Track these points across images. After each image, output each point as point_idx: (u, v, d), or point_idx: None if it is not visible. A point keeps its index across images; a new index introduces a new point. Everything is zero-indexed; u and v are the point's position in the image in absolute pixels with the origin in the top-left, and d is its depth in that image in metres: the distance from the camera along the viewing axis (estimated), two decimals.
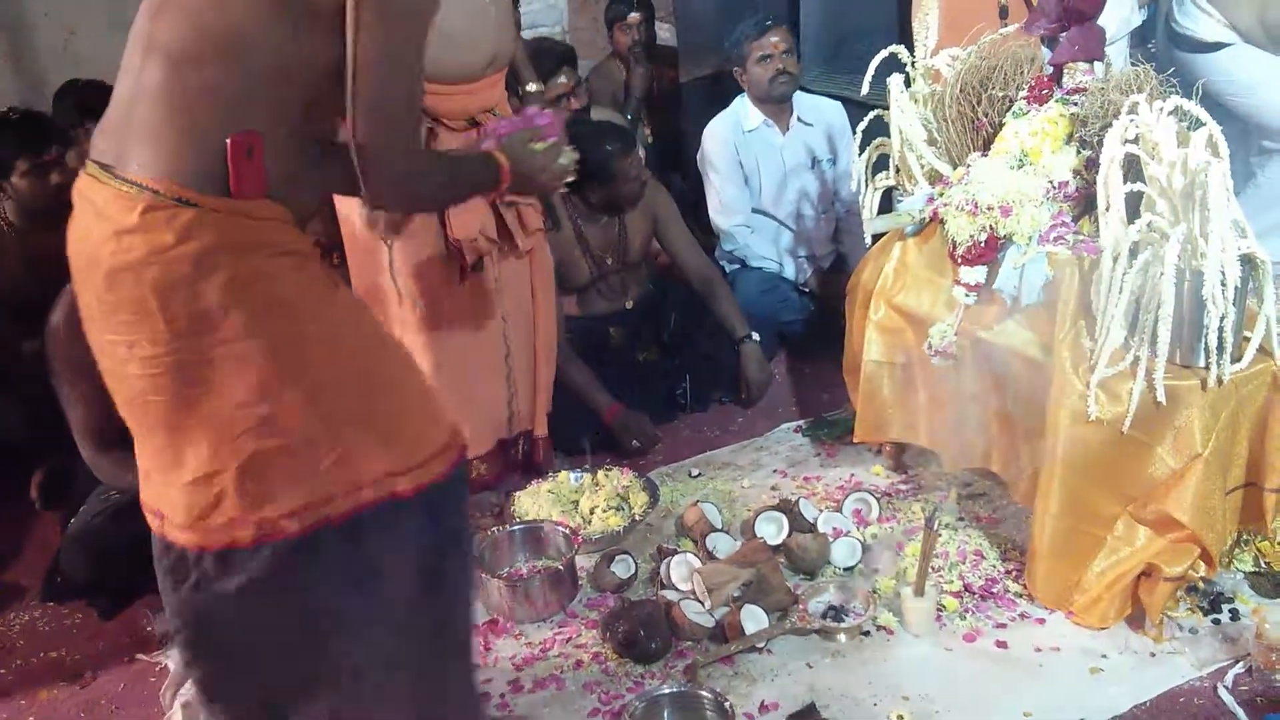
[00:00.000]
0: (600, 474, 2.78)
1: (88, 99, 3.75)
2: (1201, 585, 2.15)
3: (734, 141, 3.54)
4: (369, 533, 1.53)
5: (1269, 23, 3.23)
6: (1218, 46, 3.29)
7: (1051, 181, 2.15)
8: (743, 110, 3.55)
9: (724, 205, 3.59)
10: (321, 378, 1.52)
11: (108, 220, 1.46)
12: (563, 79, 3.59)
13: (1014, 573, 2.33)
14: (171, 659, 2.35)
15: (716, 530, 2.54)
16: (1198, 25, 3.33)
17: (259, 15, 1.47)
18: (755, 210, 3.60)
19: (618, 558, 2.46)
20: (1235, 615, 2.14)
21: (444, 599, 1.64)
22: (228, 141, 1.44)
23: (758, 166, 3.55)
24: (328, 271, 1.59)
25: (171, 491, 1.54)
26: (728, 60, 3.54)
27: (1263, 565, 2.24)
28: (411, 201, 1.80)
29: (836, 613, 2.24)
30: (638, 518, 2.63)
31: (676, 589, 2.36)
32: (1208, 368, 1.98)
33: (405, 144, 1.55)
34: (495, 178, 1.75)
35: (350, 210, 2.47)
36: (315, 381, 1.51)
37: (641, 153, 3.31)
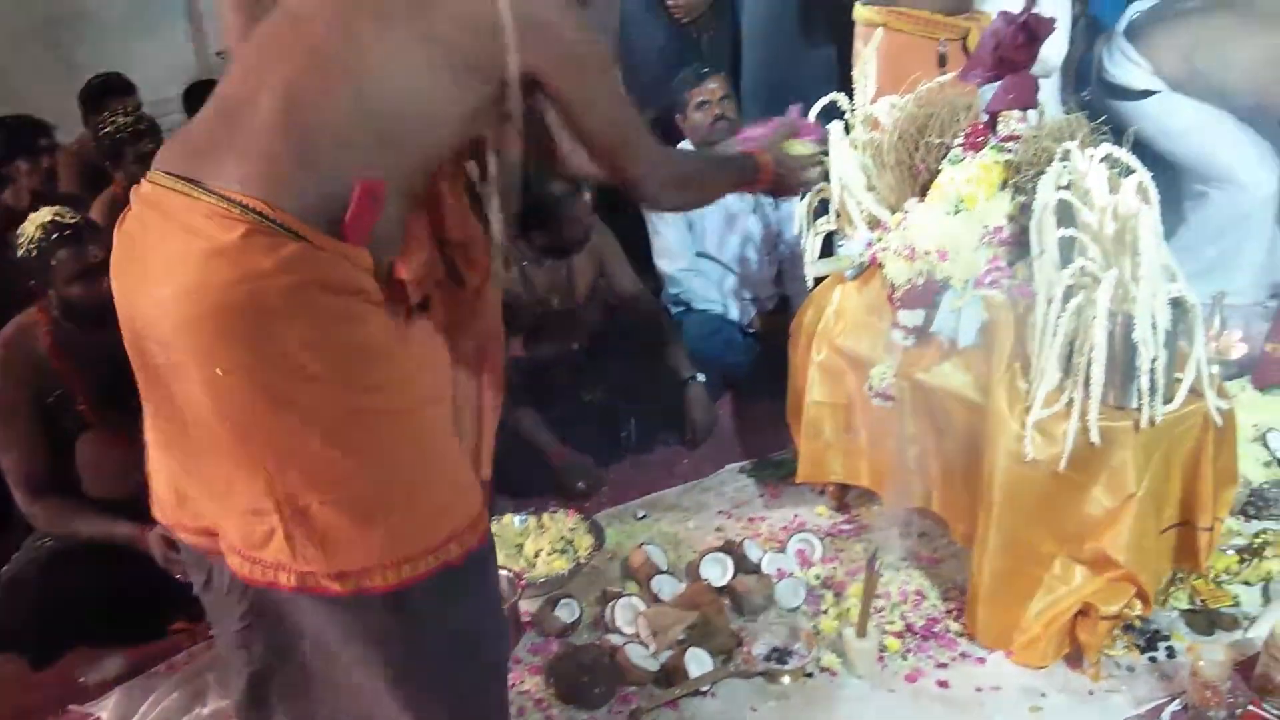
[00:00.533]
0: (545, 517, 2.76)
1: (19, 135, 3.71)
2: (1138, 623, 2.18)
3: None
4: (416, 601, 1.49)
5: (1196, 71, 3.35)
6: (1147, 94, 3.39)
7: (986, 226, 2.19)
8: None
9: (667, 250, 3.61)
10: (381, 431, 1.48)
11: (196, 235, 1.37)
12: None
13: (955, 612, 2.35)
14: (105, 710, 2.30)
15: (662, 573, 2.53)
16: (1128, 75, 3.43)
17: (406, 64, 1.45)
18: (699, 254, 3.63)
19: (562, 601, 2.44)
20: (1171, 653, 2.17)
21: (479, 665, 1.62)
22: (358, 184, 1.40)
23: (701, 212, 3.59)
24: (399, 323, 1.57)
25: (228, 515, 1.49)
26: (670, 106, 3.58)
27: (1197, 603, 2.29)
28: (687, 205, 2.13)
29: (780, 654, 2.23)
30: (583, 561, 2.62)
31: (621, 633, 2.35)
32: (1140, 409, 2.02)
33: (662, 169, 1.74)
34: (754, 175, 1.98)
35: None
36: (377, 436, 1.47)
37: (587, 196, 3.32)
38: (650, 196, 1.81)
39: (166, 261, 1.40)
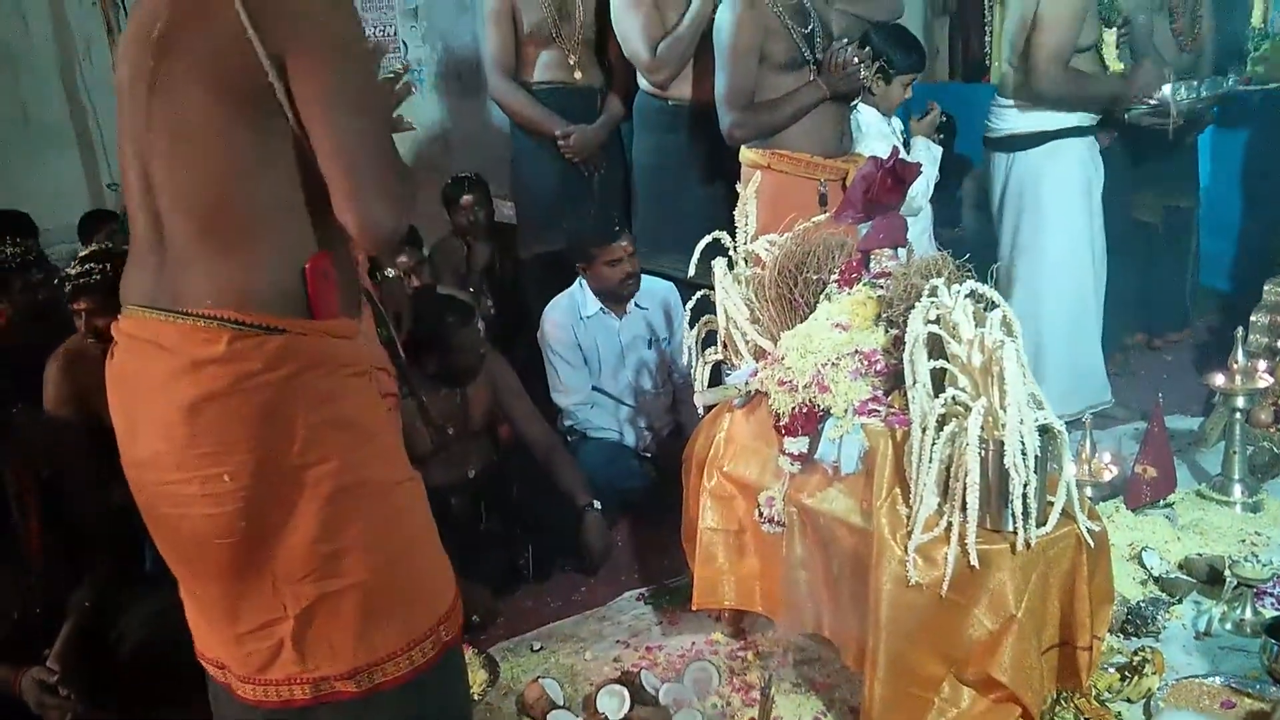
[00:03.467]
0: None
1: None
2: None
3: (572, 326, 3.64)
4: (428, 686, 1.53)
5: None
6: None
7: (860, 351, 2.27)
8: (581, 297, 3.67)
9: (563, 386, 3.67)
10: (375, 511, 1.52)
11: (180, 354, 1.44)
12: (403, 258, 3.65)
13: None
14: None
15: (558, 708, 2.50)
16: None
17: (238, 136, 1.46)
18: (594, 388, 3.68)
19: None
20: None
21: None
22: (306, 268, 1.46)
23: (596, 348, 3.66)
24: (379, 398, 1.61)
25: (228, 644, 1.47)
26: (570, 253, 3.67)
27: None
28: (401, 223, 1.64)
29: None
30: (477, 698, 2.56)
31: None
32: (1015, 532, 2.10)
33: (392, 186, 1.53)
34: None
35: None
36: (372, 514, 1.50)
37: (482, 325, 3.36)
38: (371, 221, 1.51)
39: (162, 385, 1.47)
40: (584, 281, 3.67)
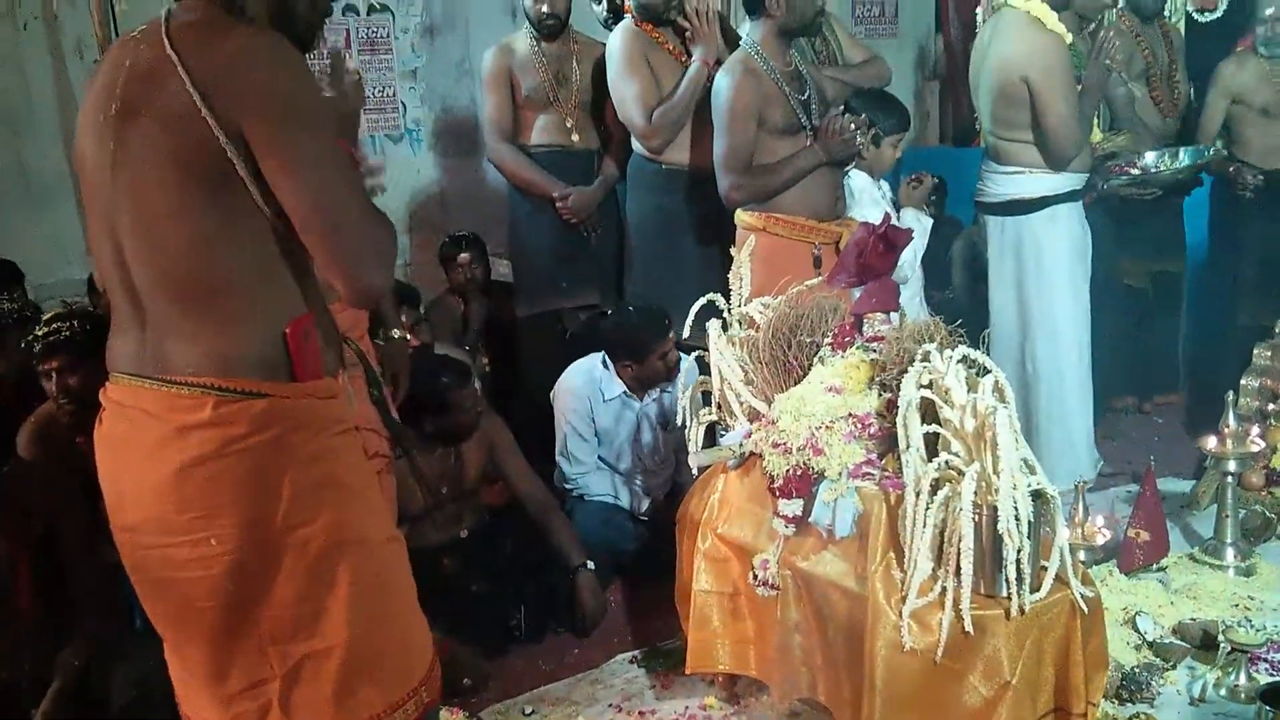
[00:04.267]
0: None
1: None
2: None
3: (589, 400, 3.61)
4: None
5: None
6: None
7: (853, 415, 2.28)
8: (603, 378, 3.62)
9: (569, 454, 3.65)
10: (361, 569, 1.53)
11: (166, 420, 1.48)
12: (401, 318, 3.65)
13: None
14: None
15: None
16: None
17: (204, 209, 1.48)
18: (600, 460, 3.68)
19: None
20: None
21: None
22: (287, 332, 1.49)
23: (611, 430, 3.64)
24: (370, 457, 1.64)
25: (216, 705, 1.48)
26: (617, 351, 3.59)
27: None
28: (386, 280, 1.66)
29: None
30: None
31: None
32: (1009, 597, 2.10)
33: (370, 254, 1.53)
34: None
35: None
36: (357, 573, 1.51)
37: (478, 384, 3.37)
38: (360, 280, 1.55)
39: (151, 451, 1.50)
40: (609, 362, 3.60)
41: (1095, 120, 3.84)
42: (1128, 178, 4.00)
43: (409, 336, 3.58)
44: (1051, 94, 3.56)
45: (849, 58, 3.95)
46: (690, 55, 3.73)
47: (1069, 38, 3.67)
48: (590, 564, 3.30)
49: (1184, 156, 4.20)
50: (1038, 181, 3.71)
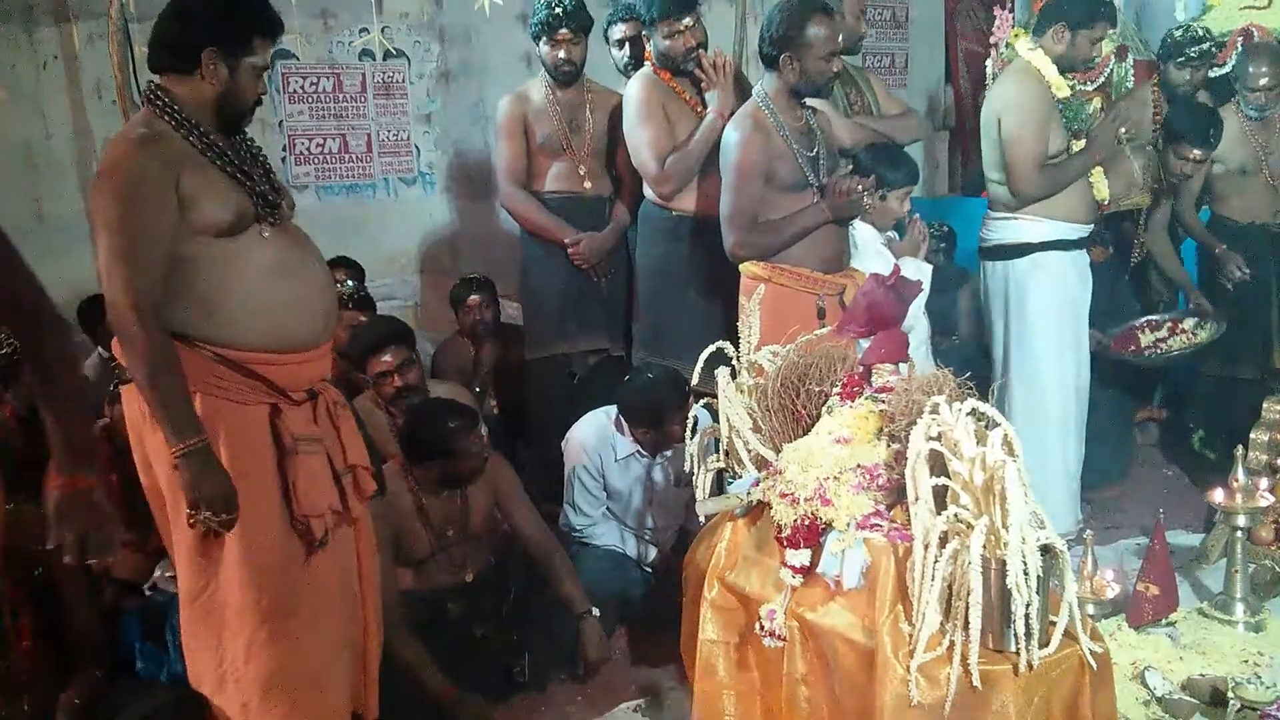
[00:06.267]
0: None
1: None
2: None
3: (601, 458, 3.60)
4: None
5: None
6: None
7: (861, 466, 2.28)
8: (614, 437, 3.61)
9: (577, 506, 3.64)
10: None
11: None
12: (387, 357, 3.55)
13: None
14: None
15: None
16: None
17: None
18: (609, 509, 3.67)
19: None
20: None
21: None
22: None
23: (622, 489, 3.64)
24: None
25: None
26: (635, 416, 3.55)
27: None
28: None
29: None
30: None
31: None
32: (1018, 652, 2.08)
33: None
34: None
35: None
36: None
37: (484, 428, 3.37)
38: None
39: None
40: (623, 421, 3.59)
41: (1104, 177, 3.86)
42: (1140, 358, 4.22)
43: (393, 375, 3.55)
44: (1017, 136, 3.70)
45: (884, 110, 4.03)
46: (706, 106, 3.77)
47: (1065, 91, 3.75)
48: (595, 611, 3.28)
49: (1201, 334, 4.27)
50: (1022, 227, 3.81)
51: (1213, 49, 4.50)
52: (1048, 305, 3.82)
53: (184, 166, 2.28)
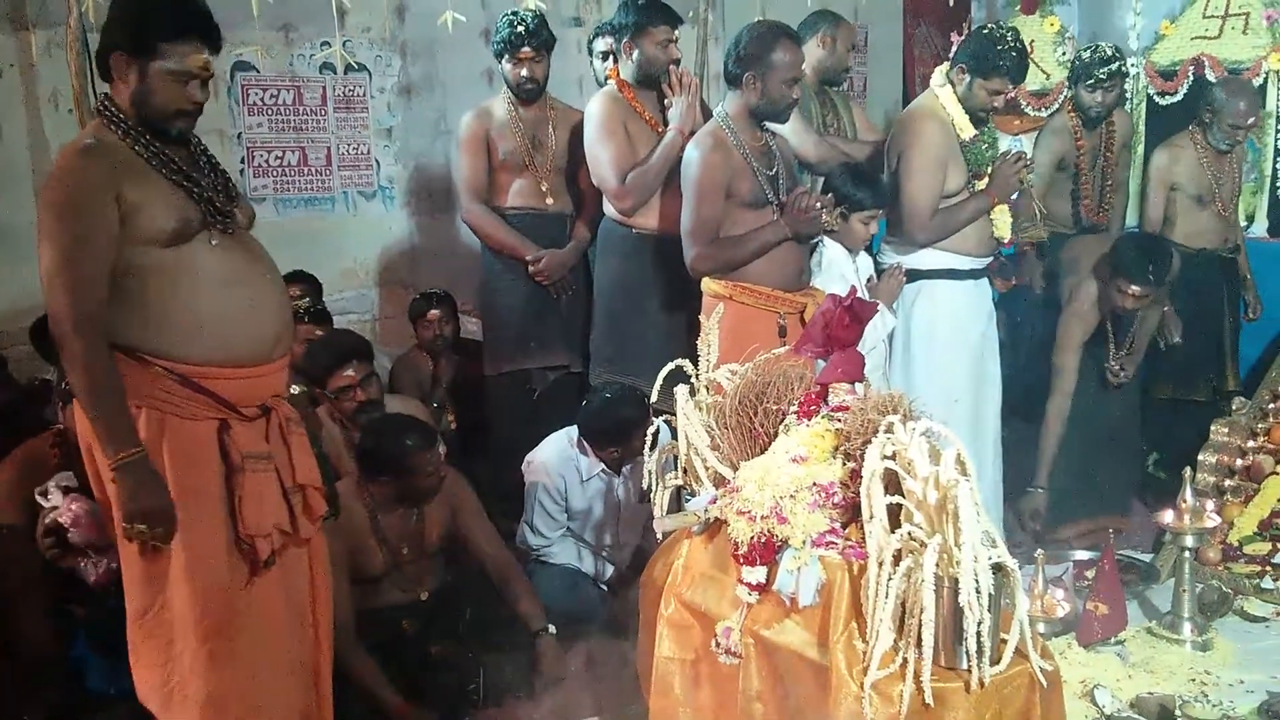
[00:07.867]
0: None
1: None
2: None
3: (565, 480, 3.60)
4: None
5: None
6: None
7: (817, 484, 2.30)
8: (577, 458, 3.62)
9: (534, 529, 3.64)
10: None
11: None
12: (349, 371, 3.56)
13: None
14: None
15: None
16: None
17: None
18: (569, 528, 3.67)
19: None
20: None
21: None
22: None
23: (585, 509, 3.65)
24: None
25: None
26: (600, 438, 3.56)
27: None
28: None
29: None
30: None
31: None
32: (970, 670, 2.10)
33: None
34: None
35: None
36: None
37: (442, 447, 3.35)
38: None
39: None
40: (585, 444, 3.59)
41: (1006, 213, 3.86)
42: None
43: (352, 390, 3.53)
44: (906, 173, 3.73)
45: (861, 136, 4.11)
46: (666, 125, 3.80)
47: (966, 133, 3.75)
48: (552, 628, 3.28)
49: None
50: (915, 256, 3.84)
51: (1122, 69, 4.38)
52: (933, 332, 3.84)
53: (127, 176, 2.26)
